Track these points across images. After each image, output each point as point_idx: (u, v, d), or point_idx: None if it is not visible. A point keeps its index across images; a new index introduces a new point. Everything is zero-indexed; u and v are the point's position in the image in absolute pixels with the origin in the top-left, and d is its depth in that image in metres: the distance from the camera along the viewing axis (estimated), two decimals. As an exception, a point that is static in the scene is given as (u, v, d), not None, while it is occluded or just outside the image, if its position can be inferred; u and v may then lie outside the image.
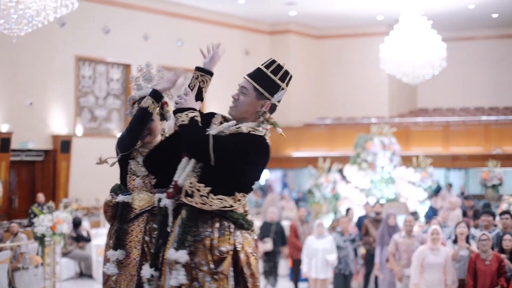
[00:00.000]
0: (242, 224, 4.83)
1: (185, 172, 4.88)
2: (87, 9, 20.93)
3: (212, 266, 4.69)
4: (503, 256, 10.73)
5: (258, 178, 4.96)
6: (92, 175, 20.60)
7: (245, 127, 4.86)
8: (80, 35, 21.60)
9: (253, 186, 5.01)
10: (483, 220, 11.91)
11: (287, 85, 5.01)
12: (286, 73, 5.00)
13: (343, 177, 18.61)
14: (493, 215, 12.21)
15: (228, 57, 26.03)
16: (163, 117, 5.82)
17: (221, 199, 4.75)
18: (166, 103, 5.82)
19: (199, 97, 5.18)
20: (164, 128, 5.87)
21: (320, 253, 12.61)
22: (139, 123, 5.61)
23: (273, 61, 4.98)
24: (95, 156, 6.08)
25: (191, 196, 4.76)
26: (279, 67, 4.97)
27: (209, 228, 4.77)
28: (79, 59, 21.82)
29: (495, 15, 27.28)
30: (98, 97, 22.51)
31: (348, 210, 15.98)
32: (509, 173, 25.67)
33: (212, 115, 5.07)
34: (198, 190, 4.75)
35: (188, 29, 25.13)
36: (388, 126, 19.79)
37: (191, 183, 4.80)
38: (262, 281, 14.45)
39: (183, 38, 24.84)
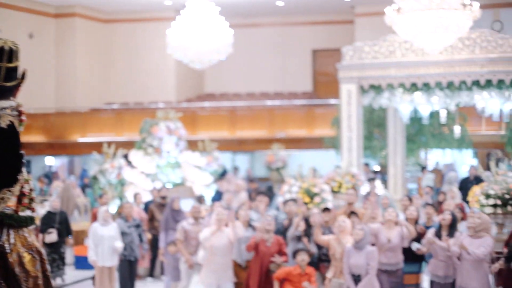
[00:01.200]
0: (11, 223, 4.58)
1: None
2: None
3: None
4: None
5: (17, 168, 4.71)
6: None
7: None
8: None
9: (19, 176, 4.75)
10: (260, 201, 12.19)
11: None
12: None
13: (129, 163, 18.39)
14: (270, 196, 12.49)
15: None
16: None
17: None
18: None
19: None
20: None
21: (106, 241, 12.31)
22: None
23: None
24: None
25: None
26: None
27: None
28: None
29: (280, 3, 28.02)
30: None
31: (136, 195, 15.80)
32: (293, 156, 26.56)
33: None
34: None
35: (-34, 9, 23.86)
36: (174, 111, 19.78)
37: None
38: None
39: (-41, 18, 23.54)
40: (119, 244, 12.40)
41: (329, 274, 10.51)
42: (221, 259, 10.99)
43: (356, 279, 9.73)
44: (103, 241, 12.22)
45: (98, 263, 12.24)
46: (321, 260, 11.31)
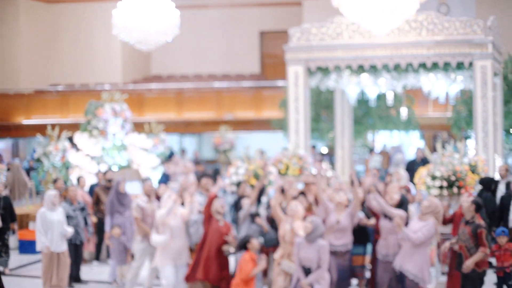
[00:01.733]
0: None
1: None
2: None
3: None
4: None
5: None
6: None
7: None
8: None
9: None
10: (204, 184, 12.10)
11: None
12: None
13: (74, 145, 18.10)
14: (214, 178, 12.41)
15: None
16: None
17: None
18: None
19: None
20: None
21: (55, 226, 12.02)
22: None
23: None
24: None
25: None
26: None
27: None
28: None
29: (227, -16, 27.84)
30: None
31: (79, 178, 15.55)
32: (241, 138, 26.50)
33: None
34: None
35: None
36: (120, 93, 19.52)
37: None
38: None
39: None
40: (70, 229, 12.17)
41: (276, 255, 10.46)
42: (177, 240, 10.91)
43: (307, 271, 9.64)
44: (53, 227, 11.92)
45: (51, 249, 11.94)
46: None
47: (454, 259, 10.70)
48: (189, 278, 10.75)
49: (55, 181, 14.78)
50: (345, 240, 10.69)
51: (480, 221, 9.97)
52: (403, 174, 14.89)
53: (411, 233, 9.77)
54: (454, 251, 10.61)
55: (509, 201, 13.01)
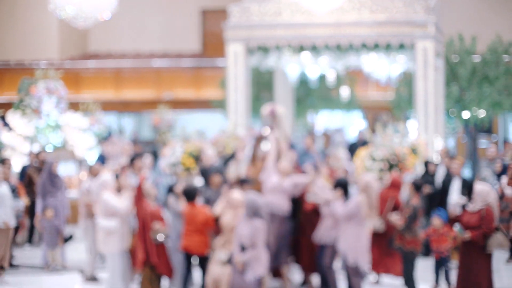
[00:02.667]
0: None
1: None
2: None
3: None
4: None
5: None
6: None
7: None
8: None
9: None
10: (137, 165, 11.83)
11: None
12: None
13: (6, 124, 17.57)
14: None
15: None
16: None
17: None
18: None
19: None
20: None
21: (7, 199, 11.65)
22: None
23: None
24: None
25: None
26: None
27: None
28: None
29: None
30: None
31: (4, 160, 15.03)
32: (182, 118, 26.17)
33: None
34: None
35: None
36: (55, 70, 19.00)
37: None
38: None
39: None
40: (21, 201, 11.88)
41: (217, 242, 10.21)
42: (124, 225, 10.57)
43: (243, 249, 9.43)
44: (5, 201, 11.59)
45: (10, 224, 11.59)
46: None
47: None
48: (138, 264, 10.41)
49: (2, 161, 14.27)
50: (282, 202, 10.60)
51: (414, 201, 10.15)
52: (342, 155, 14.74)
53: (336, 207, 9.92)
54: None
55: (449, 184, 13.00)
